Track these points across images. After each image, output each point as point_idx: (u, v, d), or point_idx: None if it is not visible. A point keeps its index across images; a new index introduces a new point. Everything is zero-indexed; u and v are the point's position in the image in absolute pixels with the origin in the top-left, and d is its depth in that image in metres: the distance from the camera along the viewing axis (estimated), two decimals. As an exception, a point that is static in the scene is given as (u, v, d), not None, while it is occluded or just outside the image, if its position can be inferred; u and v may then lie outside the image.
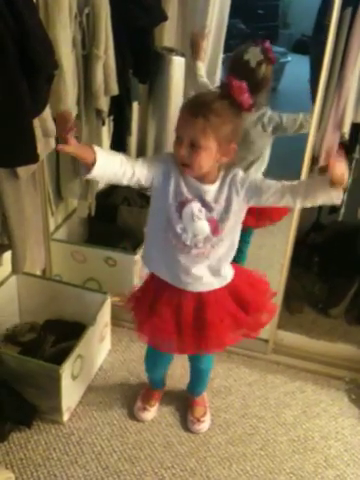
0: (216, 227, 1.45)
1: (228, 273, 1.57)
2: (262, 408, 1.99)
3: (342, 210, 2.18)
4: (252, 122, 2.06)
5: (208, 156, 1.35)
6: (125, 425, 1.89)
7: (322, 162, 1.96)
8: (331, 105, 1.86)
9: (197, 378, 1.92)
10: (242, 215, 1.49)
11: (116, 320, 2.23)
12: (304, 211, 1.94)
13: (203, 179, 1.42)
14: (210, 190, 1.42)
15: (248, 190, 1.42)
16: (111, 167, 1.33)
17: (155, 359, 1.84)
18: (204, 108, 1.30)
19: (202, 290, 1.55)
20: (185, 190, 1.43)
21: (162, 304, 1.57)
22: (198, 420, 1.89)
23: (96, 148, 1.30)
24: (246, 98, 1.33)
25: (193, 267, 1.50)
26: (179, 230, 1.45)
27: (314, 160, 1.93)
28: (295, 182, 1.41)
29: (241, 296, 1.59)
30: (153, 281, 1.61)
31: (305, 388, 2.09)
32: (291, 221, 1.98)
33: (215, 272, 1.53)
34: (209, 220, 1.44)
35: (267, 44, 2.01)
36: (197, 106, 1.32)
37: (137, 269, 2.32)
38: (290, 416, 1.97)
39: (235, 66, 2.08)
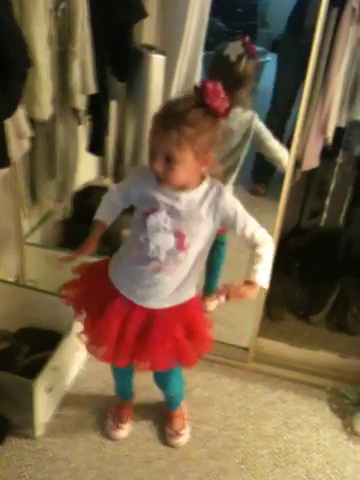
0: (182, 242, 1.36)
1: (186, 295, 1.49)
2: (243, 419, 1.94)
3: (324, 215, 2.15)
4: (237, 124, 2.00)
5: (185, 169, 1.27)
6: (101, 439, 1.82)
7: (304, 167, 1.92)
8: (315, 109, 1.82)
9: (168, 400, 1.86)
10: (212, 238, 1.43)
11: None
12: (284, 215, 1.90)
13: (179, 187, 1.34)
14: (183, 198, 1.34)
15: (224, 220, 1.37)
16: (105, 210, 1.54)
17: (117, 369, 1.76)
18: (177, 120, 1.21)
19: (155, 307, 1.47)
20: (154, 198, 1.35)
21: (113, 311, 1.48)
22: (177, 433, 1.83)
23: (100, 219, 1.54)
24: (221, 103, 1.23)
25: (152, 282, 1.42)
26: (141, 240, 1.38)
27: (297, 164, 1.88)
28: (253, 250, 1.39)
29: (190, 323, 1.51)
30: (105, 277, 1.52)
31: (286, 398, 2.05)
32: (274, 225, 1.92)
33: (174, 292, 1.46)
34: (175, 233, 1.36)
35: (247, 38, 1.95)
36: (169, 118, 1.23)
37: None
38: (271, 428, 1.92)
39: (216, 63, 2.04)
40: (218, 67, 2.00)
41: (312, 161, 1.89)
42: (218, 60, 2.01)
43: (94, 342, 1.55)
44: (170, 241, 1.36)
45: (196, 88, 1.24)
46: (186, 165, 1.26)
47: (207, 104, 1.22)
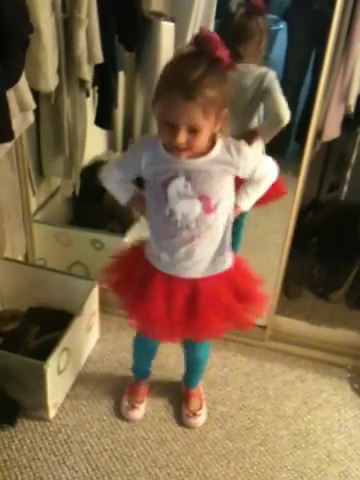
0: (208, 205, 1.30)
1: (227, 258, 1.44)
2: (261, 399, 1.88)
3: (345, 188, 2.05)
4: (251, 79, 1.93)
5: (206, 133, 1.21)
6: (116, 421, 1.77)
7: (325, 137, 1.83)
8: (336, 75, 1.72)
9: (193, 368, 1.80)
10: (233, 191, 1.37)
11: (104, 306, 2.10)
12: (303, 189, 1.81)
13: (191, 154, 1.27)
14: (200, 162, 1.27)
15: (248, 172, 1.33)
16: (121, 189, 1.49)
17: (142, 345, 1.73)
18: (198, 87, 1.12)
19: (197, 276, 1.42)
20: (169, 166, 1.28)
21: (153, 289, 1.43)
22: (194, 414, 1.78)
23: (129, 200, 1.49)
24: (224, 51, 1.15)
25: (188, 253, 1.37)
26: (167, 212, 1.32)
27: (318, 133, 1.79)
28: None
29: (237, 284, 1.46)
30: (140, 256, 1.48)
31: (305, 377, 1.98)
32: (293, 198, 1.83)
33: (213, 257, 1.40)
34: (200, 197, 1.29)
35: None
36: (189, 87, 1.12)
37: (126, 252, 2.18)
38: (290, 408, 1.86)
39: (222, 19, 1.97)
40: (223, 22, 1.96)
41: (333, 131, 1.79)
42: (224, 16, 1.95)
43: (143, 324, 1.51)
44: (196, 206, 1.30)
45: (199, 42, 1.14)
46: (207, 130, 1.19)
47: (217, 57, 1.14)
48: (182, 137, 1.17)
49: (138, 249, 1.51)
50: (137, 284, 1.47)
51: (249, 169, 1.32)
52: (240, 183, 1.42)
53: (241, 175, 1.33)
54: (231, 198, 1.37)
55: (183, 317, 1.43)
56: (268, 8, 1.92)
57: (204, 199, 1.29)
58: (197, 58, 1.14)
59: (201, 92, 1.13)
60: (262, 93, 1.93)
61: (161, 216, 1.34)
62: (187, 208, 1.30)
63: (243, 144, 1.30)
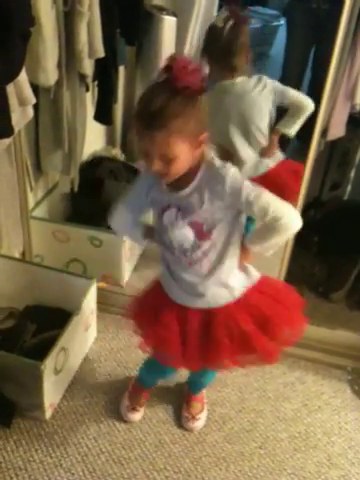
0: (201, 230, 1.28)
1: (237, 283, 1.37)
2: (260, 401, 1.86)
3: (348, 188, 2.02)
4: (241, 89, 1.93)
5: (184, 160, 1.17)
6: (113, 422, 1.75)
7: (330, 136, 1.80)
8: (342, 73, 1.69)
9: (197, 380, 1.76)
10: (240, 221, 1.31)
11: (102, 305, 2.07)
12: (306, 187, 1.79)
13: (178, 183, 1.24)
14: (186, 191, 1.25)
15: (233, 204, 1.24)
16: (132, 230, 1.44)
17: (157, 369, 1.68)
18: (159, 117, 1.09)
19: (206, 307, 1.38)
20: (162, 198, 1.30)
21: (167, 314, 1.41)
22: (193, 417, 1.75)
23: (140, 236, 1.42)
24: (193, 78, 1.09)
25: (189, 280, 1.35)
26: (167, 242, 1.33)
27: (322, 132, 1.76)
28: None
29: (260, 311, 1.37)
30: (157, 288, 1.47)
31: (305, 379, 1.96)
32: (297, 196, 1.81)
33: (219, 285, 1.35)
34: (191, 224, 1.28)
35: (233, 9, 1.85)
36: (151, 117, 1.09)
37: (125, 250, 2.15)
38: (290, 410, 1.84)
39: (207, 35, 1.95)
40: (208, 38, 1.93)
41: (338, 130, 1.77)
42: (209, 31, 1.93)
43: (160, 350, 1.48)
44: (189, 234, 1.28)
45: (165, 66, 1.11)
46: (183, 157, 1.16)
47: (181, 86, 1.09)
48: (156, 166, 1.16)
49: (157, 283, 1.49)
50: (153, 312, 1.44)
51: (234, 195, 1.21)
52: None
53: (232, 204, 1.24)
54: (232, 227, 1.30)
55: (198, 344, 1.39)
56: (246, 23, 1.90)
57: (195, 225, 1.28)
58: (161, 87, 1.11)
59: (163, 122, 1.09)
60: (274, 98, 1.93)
61: (164, 245, 1.36)
62: (181, 236, 1.29)
63: (223, 167, 1.23)
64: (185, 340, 1.39)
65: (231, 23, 1.83)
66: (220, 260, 1.32)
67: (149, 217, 1.53)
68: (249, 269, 1.40)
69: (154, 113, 1.09)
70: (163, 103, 1.09)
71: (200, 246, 1.30)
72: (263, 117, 1.95)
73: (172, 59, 1.10)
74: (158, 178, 1.24)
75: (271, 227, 1.26)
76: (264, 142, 2.01)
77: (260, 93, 1.93)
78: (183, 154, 1.16)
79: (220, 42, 1.86)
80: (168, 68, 1.10)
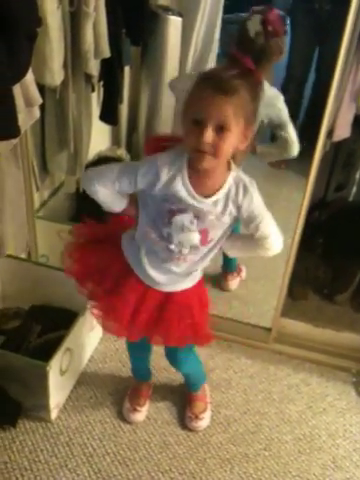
0: (206, 237, 1.31)
1: (199, 275, 1.46)
2: (265, 403, 1.86)
3: (353, 189, 2.02)
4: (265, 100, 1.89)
5: (233, 141, 1.16)
6: (118, 423, 1.75)
7: (335, 137, 1.80)
8: (348, 74, 1.68)
9: (185, 378, 1.80)
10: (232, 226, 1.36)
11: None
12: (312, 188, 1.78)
13: (203, 188, 1.24)
14: (211, 200, 1.25)
15: (246, 219, 1.30)
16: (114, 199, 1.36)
17: (135, 346, 1.69)
18: (233, 84, 1.11)
19: (172, 290, 1.42)
20: (182, 199, 1.25)
21: (129, 288, 1.41)
22: (196, 417, 1.75)
23: (119, 207, 1.37)
24: (253, 67, 1.16)
25: (170, 270, 1.37)
26: (165, 234, 1.31)
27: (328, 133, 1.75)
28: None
29: (203, 298, 1.49)
30: (120, 257, 1.43)
31: (310, 381, 1.96)
32: (302, 198, 1.79)
33: (189, 274, 1.41)
34: (201, 231, 1.29)
35: (271, 15, 1.81)
36: (225, 82, 1.11)
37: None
38: (295, 412, 1.84)
39: (239, 34, 1.90)
40: (241, 39, 1.90)
41: (344, 131, 1.76)
42: (241, 32, 1.88)
43: (107, 317, 1.49)
44: (195, 238, 1.30)
45: (232, 58, 1.17)
46: (234, 137, 1.15)
47: (249, 68, 1.16)
48: (209, 135, 1.12)
49: (109, 238, 1.47)
50: (111, 276, 1.43)
51: (248, 214, 1.27)
52: None
53: (239, 216, 1.29)
54: (225, 231, 1.35)
55: (147, 316, 1.43)
56: (284, 29, 1.87)
57: (204, 233, 1.30)
58: (231, 65, 1.16)
59: (234, 88, 1.11)
60: (277, 124, 1.89)
61: (156, 233, 1.32)
62: (186, 239, 1.30)
63: (253, 185, 1.26)
64: (136, 314, 1.42)
65: (263, 35, 1.80)
66: (204, 259, 1.38)
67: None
68: None
69: (227, 79, 1.12)
70: (236, 74, 1.14)
71: (198, 250, 1.33)
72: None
73: (237, 54, 1.17)
74: (193, 155, 1.19)
75: (257, 242, 1.35)
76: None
77: (269, 103, 1.90)
78: (235, 133, 1.15)
79: (253, 50, 1.80)
80: (233, 57, 1.17)
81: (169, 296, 1.42)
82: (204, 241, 1.31)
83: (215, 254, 1.39)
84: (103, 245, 1.48)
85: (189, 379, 1.78)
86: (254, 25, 1.83)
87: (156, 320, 1.44)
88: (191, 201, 1.25)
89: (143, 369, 1.81)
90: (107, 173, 1.31)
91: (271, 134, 1.96)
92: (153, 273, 1.38)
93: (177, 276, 1.39)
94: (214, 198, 1.25)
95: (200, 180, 1.24)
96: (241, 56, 1.16)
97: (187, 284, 1.43)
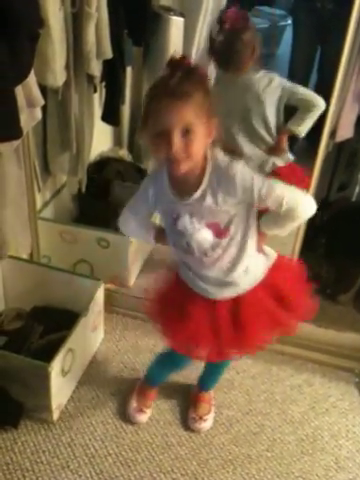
0: (219, 229, 1.28)
1: (260, 266, 1.39)
2: (267, 404, 1.85)
3: (356, 189, 2.01)
4: (259, 83, 1.91)
5: (200, 139, 1.16)
6: (120, 424, 1.74)
7: (338, 138, 1.79)
8: (351, 74, 1.67)
9: (212, 372, 1.76)
10: (253, 213, 1.31)
11: (109, 306, 2.07)
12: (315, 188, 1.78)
13: (185, 186, 1.25)
14: (195, 197, 1.25)
15: (246, 198, 1.24)
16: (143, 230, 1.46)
17: (173, 361, 1.67)
18: (184, 86, 1.12)
19: (234, 295, 1.39)
20: (173, 206, 1.29)
21: (195, 308, 1.41)
22: (200, 418, 1.75)
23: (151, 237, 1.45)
24: (193, 62, 1.17)
25: (213, 276, 1.35)
26: (184, 245, 1.32)
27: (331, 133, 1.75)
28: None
29: (278, 288, 1.41)
30: (178, 283, 1.45)
31: (313, 381, 1.95)
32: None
33: (241, 273, 1.36)
34: (208, 225, 1.28)
35: (227, 12, 1.84)
36: (176, 87, 1.11)
37: (132, 251, 2.15)
38: (297, 413, 1.83)
39: (212, 44, 1.93)
40: (211, 45, 1.93)
41: (346, 131, 1.76)
42: (210, 33, 1.94)
43: (192, 344, 1.46)
44: (208, 235, 1.29)
45: (170, 63, 1.15)
46: (200, 135, 1.15)
47: (190, 65, 1.15)
48: (177, 142, 1.13)
49: (172, 272, 1.49)
50: (178, 308, 1.43)
51: (248, 194, 1.22)
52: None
53: (244, 200, 1.24)
54: (247, 217, 1.29)
55: (230, 332, 1.40)
56: (246, 23, 1.86)
57: (212, 226, 1.29)
58: (173, 70, 1.14)
59: (186, 90, 1.12)
60: (281, 95, 1.90)
61: (181, 248, 1.34)
62: (200, 239, 1.30)
63: (232, 167, 1.22)
64: (218, 330, 1.39)
65: (224, 33, 1.83)
66: (241, 251, 1.33)
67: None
68: (267, 250, 1.42)
69: (176, 84, 1.11)
70: (182, 76, 1.12)
71: (219, 244, 1.30)
72: (267, 113, 1.92)
73: (173, 57, 1.15)
74: (170, 173, 1.23)
75: (287, 216, 1.27)
76: (270, 139, 1.98)
77: (265, 88, 1.90)
78: (201, 131, 1.15)
79: (219, 50, 1.87)
80: (171, 62, 1.15)
81: (237, 300, 1.39)
82: (220, 234, 1.28)
83: (248, 241, 1.32)
84: (166, 283, 1.51)
85: (213, 377, 1.76)
86: (214, 25, 1.88)
87: (237, 329, 1.40)
88: (179, 205, 1.27)
89: (162, 379, 1.80)
90: (124, 210, 1.43)
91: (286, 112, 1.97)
92: (204, 285, 1.38)
93: (225, 279, 1.36)
94: (197, 194, 1.24)
95: (183, 181, 1.25)
96: (177, 57, 1.15)
97: (247, 282, 1.38)
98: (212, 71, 2.03)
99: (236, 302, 1.39)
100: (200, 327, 1.40)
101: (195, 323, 1.40)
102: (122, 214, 1.43)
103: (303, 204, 1.26)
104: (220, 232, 1.28)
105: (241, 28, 1.83)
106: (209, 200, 1.24)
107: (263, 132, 1.97)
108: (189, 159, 1.17)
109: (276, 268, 1.41)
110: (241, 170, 1.21)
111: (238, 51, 1.85)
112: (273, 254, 1.42)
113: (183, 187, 1.26)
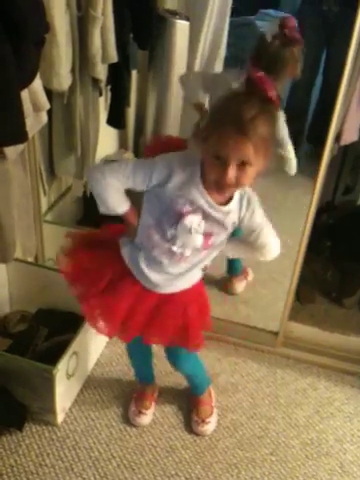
0: (208, 241, 1.33)
1: (197, 275, 1.47)
2: (272, 407, 1.85)
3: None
4: None
5: (254, 172, 1.20)
6: (124, 427, 1.75)
7: (343, 141, 1.79)
8: (356, 78, 1.67)
9: (187, 379, 1.80)
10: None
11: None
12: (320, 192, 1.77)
13: (221, 196, 1.29)
14: (225, 210, 1.30)
15: (247, 228, 1.35)
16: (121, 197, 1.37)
17: (134, 346, 1.69)
18: (253, 124, 1.13)
19: (169, 292, 1.44)
20: (195, 200, 1.27)
21: (126, 289, 1.42)
22: (203, 421, 1.75)
23: (124, 207, 1.38)
24: (273, 92, 1.16)
25: (168, 270, 1.39)
26: (169, 235, 1.32)
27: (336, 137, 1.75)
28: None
29: (200, 298, 1.51)
30: (116, 260, 1.43)
31: (317, 385, 1.95)
32: (310, 201, 1.78)
33: (187, 274, 1.42)
34: (205, 234, 1.32)
35: (288, 21, 1.80)
36: (245, 124, 1.13)
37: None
38: (302, 416, 1.83)
39: (257, 44, 1.89)
40: (258, 45, 1.88)
41: (351, 135, 1.76)
42: (259, 41, 1.88)
43: (100, 317, 1.48)
44: (198, 241, 1.32)
45: (251, 83, 1.16)
46: (257, 167, 1.19)
47: (269, 97, 1.15)
48: (232, 173, 1.17)
49: (107, 241, 1.47)
50: (105, 276, 1.43)
51: (250, 225, 1.33)
52: None
53: (240, 226, 1.34)
54: (226, 236, 1.38)
55: (142, 317, 1.44)
56: (300, 38, 1.83)
57: (207, 237, 1.32)
58: (251, 97, 1.16)
59: (255, 129, 1.13)
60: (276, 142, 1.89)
61: (160, 233, 1.33)
62: (190, 241, 1.32)
63: (255, 198, 1.32)
64: (131, 315, 1.43)
65: (278, 41, 1.80)
66: (203, 261, 1.41)
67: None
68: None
69: (249, 120, 1.13)
70: (257, 112, 1.14)
71: (199, 252, 1.36)
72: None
73: (255, 75, 1.16)
74: (214, 185, 1.23)
75: (255, 248, 1.40)
76: None
77: None
78: (257, 165, 1.19)
79: (264, 57, 1.82)
80: (253, 82, 1.16)
81: (166, 297, 1.44)
82: (206, 244, 1.33)
83: (213, 257, 1.42)
84: (99, 248, 1.49)
85: (192, 381, 1.78)
86: (271, 30, 1.84)
87: (150, 320, 1.45)
88: (208, 209, 1.28)
89: (145, 371, 1.81)
90: (121, 167, 1.32)
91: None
92: (151, 274, 1.39)
93: (175, 277, 1.40)
94: (227, 208, 1.29)
95: (214, 190, 1.27)
96: (262, 80, 1.16)
97: (184, 285, 1.44)
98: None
99: (162, 299, 1.44)
100: (118, 307, 1.42)
101: (116, 301, 1.41)
102: (105, 169, 1.32)
103: (275, 245, 1.40)
104: (207, 244, 1.34)
105: (297, 39, 1.81)
106: (232, 217, 1.30)
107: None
108: (237, 187, 1.24)
109: (199, 285, 1.49)
110: (259, 204, 1.32)
111: (286, 60, 1.84)
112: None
113: (212, 195, 1.27)
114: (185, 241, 1.31)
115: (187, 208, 1.27)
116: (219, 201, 1.28)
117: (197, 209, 1.28)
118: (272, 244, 1.39)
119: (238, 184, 1.20)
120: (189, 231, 1.29)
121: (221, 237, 1.35)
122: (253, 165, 1.17)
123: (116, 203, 1.37)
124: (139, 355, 1.76)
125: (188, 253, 1.34)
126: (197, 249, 1.34)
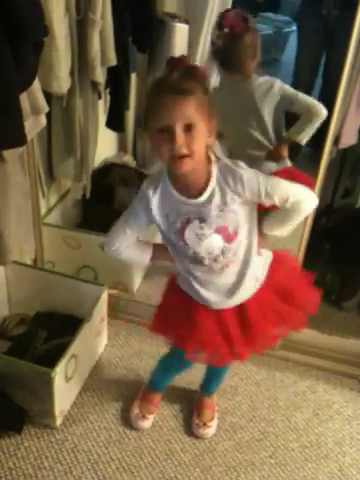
0: (227, 233, 1.29)
1: (261, 269, 1.40)
2: (271, 410, 1.85)
3: (360, 195, 2.02)
4: (259, 90, 1.91)
5: (202, 137, 1.18)
6: (123, 430, 1.74)
7: (341, 144, 1.79)
8: (355, 80, 1.67)
9: (213, 374, 1.76)
10: (255, 214, 1.34)
11: (113, 312, 2.08)
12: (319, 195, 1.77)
13: (190, 189, 1.26)
14: (204, 198, 1.25)
15: (252, 196, 1.26)
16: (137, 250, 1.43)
17: (180, 363, 1.66)
18: (187, 83, 1.14)
19: (239, 303, 1.40)
20: (180, 211, 1.28)
21: (200, 315, 1.41)
22: (204, 424, 1.74)
23: (147, 255, 1.43)
24: (192, 63, 1.22)
25: (221, 282, 1.36)
26: (192, 254, 1.32)
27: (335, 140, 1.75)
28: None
29: (282, 285, 1.44)
30: (180, 292, 1.45)
31: (316, 388, 1.94)
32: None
33: (250, 277, 1.37)
34: (217, 230, 1.28)
35: (227, 15, 1.84)
36: (179, 83, 1.14)
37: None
38: (301, 419, 1.83)
39: (213, 49, 1.97)
40: (213, 49, 1.98)
41: (350, 138, 1.76)
42: (212, 44, 1.99)
43: (205, 352, 1.48)
44: (217, 240, 1.29)
45: (169, 63, 1.19)
46: (202, 133, 1.17)
47: (190, 66, 1.18)
48: (181, 139, 1.14)
49: (177, 290, 1.47)
50: (183, 316, 1.44)
51: (255, 192, 1.25)
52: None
53: (250, 199, 1.27)
54: (250, 218, 1.32)
55: (239, 334, 1.42)
56: (246, 26, 1.85)
57: (222, 230, 1.28)
58: (172, 68, 1.17)
59: (187, 86, 1.14)
60: (280, 102, 1.90)
61: (186, 258, 1.34)
62: (209, 246, 1.30)
63: (238, 165, 1.26)
64: (226, 334, 1.41)
65: (225, 36, 1.84)
66: (248, 253, 1.34)
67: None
68: (262, 251, 1.41)
69: (178, 81, 1.14)
70: (183, 74, 1.15)
71: (230, 248, 1.31)
72: (265, 118, 1.92)
73: (172, 58, 1.19)
74: (171, 165, 1.20)
75: (292, 211, 1.30)
76: (268, 144, 1.98)
77: (265, 94, 1.91)
78: (202, 128, 1.16)
79: (220, 54, 1.90)
80: (171, 62, 1.18)
81: (242, 304, 1.41)
82: (229, 238, 1.29)
83: (254, 236, 1.34)
84: (166, 298, 1.52)
85: (212, 377, 1.76)
86: (214, 29, 1.90)
87: (246, 330, 1.42)
88: (186, 207, 1.26)
89: (165, 382, 1.79)
90: (115, 228, 1.38)
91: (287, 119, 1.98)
92: (211, 296, 1.38)
93: (238, 281, 1.37)
94: (205, 195, 1.25)
95: (186, 184, 1.25)
96: (176, 57, 1.20)
97: (251, 286, 1.40)
98: (216, 76, 2.04)
99: (241, 308, 1.40)
100: (209, 334, 1.40)
101: (204, 331, 1.41)
102: (110, 235, 1.39)
103: (307, 197, 1.30)
104: (229, 236, 1.29)
105: (241, 31, 1.83)
106: (218, 199, 1.25)
107: (260, 137, 1.97)
108: (192, 156, 1.18)
109: (275, 265, 1.43)
110: (246, 169, 1.25)
111: (238, 54, 1.86)
112: (269, 254, 1.44)
113: (189, 191, 1.26)
114: (206, 249, 1.30)
115: (179, 221, 1.28)
116: (195, 193, 1.25)
117: (188, 218, 1.27)
118: (302, 196, 1.28)
119: (191, 152, 1.16)
120: (199, 239, 1.28)
121: (238, 217, 1.28)
122: (199, 128, 1.15)
123: (138, 258, 1.44)
124: (177, 370, 1.74)
125: (220, 258, 1.31)
126: (225, 248, 1.30)
